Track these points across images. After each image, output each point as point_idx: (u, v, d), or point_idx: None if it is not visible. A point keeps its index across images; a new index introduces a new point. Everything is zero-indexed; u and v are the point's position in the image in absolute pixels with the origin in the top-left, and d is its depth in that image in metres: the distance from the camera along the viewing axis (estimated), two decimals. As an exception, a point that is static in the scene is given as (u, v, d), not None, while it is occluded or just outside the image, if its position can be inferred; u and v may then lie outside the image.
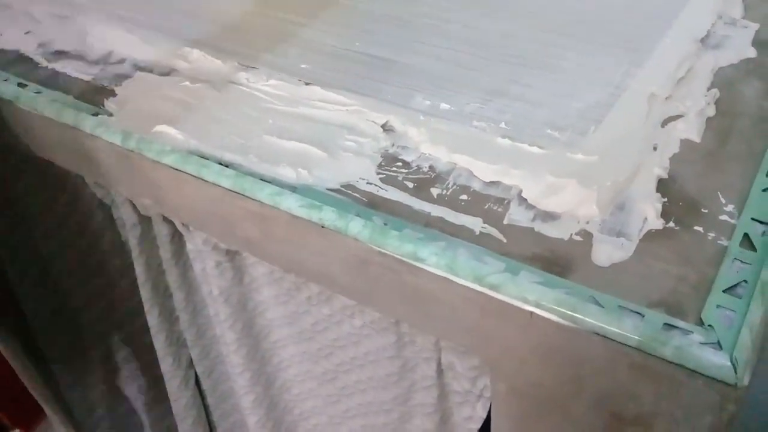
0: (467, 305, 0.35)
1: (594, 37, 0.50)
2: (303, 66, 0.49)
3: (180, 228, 0.52)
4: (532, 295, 0.32)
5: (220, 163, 0.42)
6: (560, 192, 0.37)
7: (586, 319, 0.31)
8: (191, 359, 0.65)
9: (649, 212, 0.36)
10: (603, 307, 0.31)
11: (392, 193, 0.39)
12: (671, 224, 0.36)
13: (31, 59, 0.54)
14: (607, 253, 0.34)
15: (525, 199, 0.38)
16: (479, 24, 0.53)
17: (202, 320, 0.61)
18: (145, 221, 0.55)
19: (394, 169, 0.41)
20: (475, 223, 0.37)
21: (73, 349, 0.79)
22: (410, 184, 0.40)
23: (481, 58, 0.49)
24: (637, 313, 0.31)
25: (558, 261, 0.34)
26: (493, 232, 0.36)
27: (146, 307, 0.60)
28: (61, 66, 0.53)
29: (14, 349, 0.77)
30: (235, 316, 0.54)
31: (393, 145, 0.43)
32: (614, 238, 0.35)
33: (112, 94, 0.49)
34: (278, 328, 0.55)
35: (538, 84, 0.46)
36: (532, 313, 0.32)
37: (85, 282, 0.71)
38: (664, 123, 0.42)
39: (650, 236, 0.35)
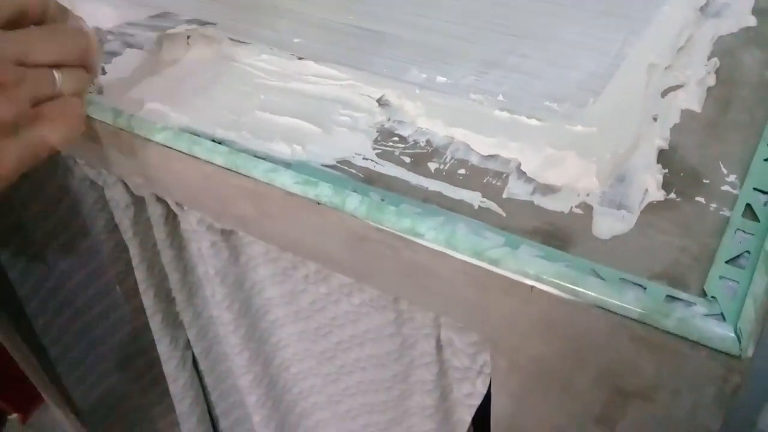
0: (466, 280, 0.34)
1: (591, 6, 0.49)
2: (296, 40, 0.49)
3: (174, 208, 0.51)
4: (532, 269, 0.32)
5: (213, 140, 0.41)
6: (559, 164, 0.36)
7: (587, 292, 0.30)
8: (188, 340, 0.65)
9: (650, 183, 0.35)
10: (604, 279, 0.31)
11: (389, 169, 0.39)
12: (672, 195, 0.35)
13: (18, 37, 0.53)
14: (607, 225, 0.34)
15: (524, 173, 0.37)
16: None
17: (198, 301, 0.60)
18: (138, 202, 0.54)
19: (391, 144, 0.40)
20: (474, 198, 0.36)
21: (69, 333, 0.78)
22: (407, 159, 0.39)
23: (476, 29, 0.48)
24: (639, 285, 0.30)
25: (558, 234, 0.34)
26: (492, 206, 0.36)
27: (141, 288, 0.60)
28: (49, 44, 0.52)
29: (9, 334, 0.77)
30: (232, 296, 0.54)
31: (389, 119, 0.42)
32: (615, 210, 0.34)
33: (102, 71, 0.48)
34: (276, 308, 0.55)
35: (535, 55, 0.45)
36: (532, 287, 0.32)
37: (80, 264, 0.70)
38: (664, 93, 0.41)
39: (651, 208, 0.35)
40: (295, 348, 0.57)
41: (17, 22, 0.37)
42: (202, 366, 0.67)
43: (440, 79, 0.44)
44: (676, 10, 0.48)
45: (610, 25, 0.47)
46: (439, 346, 0.43)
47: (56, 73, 0.37)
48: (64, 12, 0.40)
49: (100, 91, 0.46)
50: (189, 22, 0.49)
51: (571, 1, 0.50)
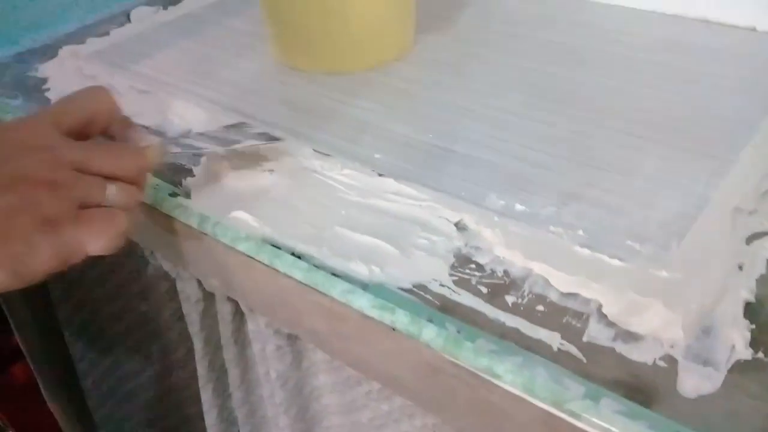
0: (541, 427, 0.33)
1: (673, 142, 0.49)
2: (377, 156, 0.50)
3: (243, 308, 0.52)
4: (614, 426, 0.31)
5: (293, 254, 0.42)
6: (644, 311, 0.36)
7: (674, 459, 0.29)
8: (240, 436, 0.65)
9: (737, 339, 0.34)
10: (692, 446, 0.29)
11: (465, 298, 0.39)
12: (760, 355, 0.34)
13: (113, 134, 0.56)
14: (693, 382, 0.33)
15: (605, 316, 0.37)
16: (553, 120, 0.52)
17: (254, 399, 0.60)
18: (208, 297, 0.55)
19: (468, 271, 0.40)
20: (553, 339, 0.35)
21: (120, 413, 0.79)
22: (484, 289, 0.39)
23: (556, 158, 0.48)
24: (729, 456, 0.29)
25: (641, 387, 0.33)
26: (572, 349, 0.35)
27: (201, 382, 0.60)
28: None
29: (67, 412, 0.77)
30: (291, 400, 0.53)
31: (466, 245, 0.42)
32: (701, 366, 0.33)
33: (190, 173, 0.50)
34: (332, 416, 0.54)
35: (617, 189, 0.45)
36: (613, 444, 0.31)
37: (141, 348, 0.71)
38: (749, 240, 0.41)
39: (739, 366, 0.33)
40: (349, 459, 0.56)
41: (85, 129, 0.41)
42: (251, 464, 0.67)
43: (519, 207, 0.44)
44: (760, 152, 0.47)
45: (693, 163, 0.47)
46: (503, 483, 0.42)
47: (109, 185, 0.39)
48: (129, 124, 0.43)
49: (188, 194, 0.47)
50: (258, 136, 0.51)
51: (653, 135, 0.50)
